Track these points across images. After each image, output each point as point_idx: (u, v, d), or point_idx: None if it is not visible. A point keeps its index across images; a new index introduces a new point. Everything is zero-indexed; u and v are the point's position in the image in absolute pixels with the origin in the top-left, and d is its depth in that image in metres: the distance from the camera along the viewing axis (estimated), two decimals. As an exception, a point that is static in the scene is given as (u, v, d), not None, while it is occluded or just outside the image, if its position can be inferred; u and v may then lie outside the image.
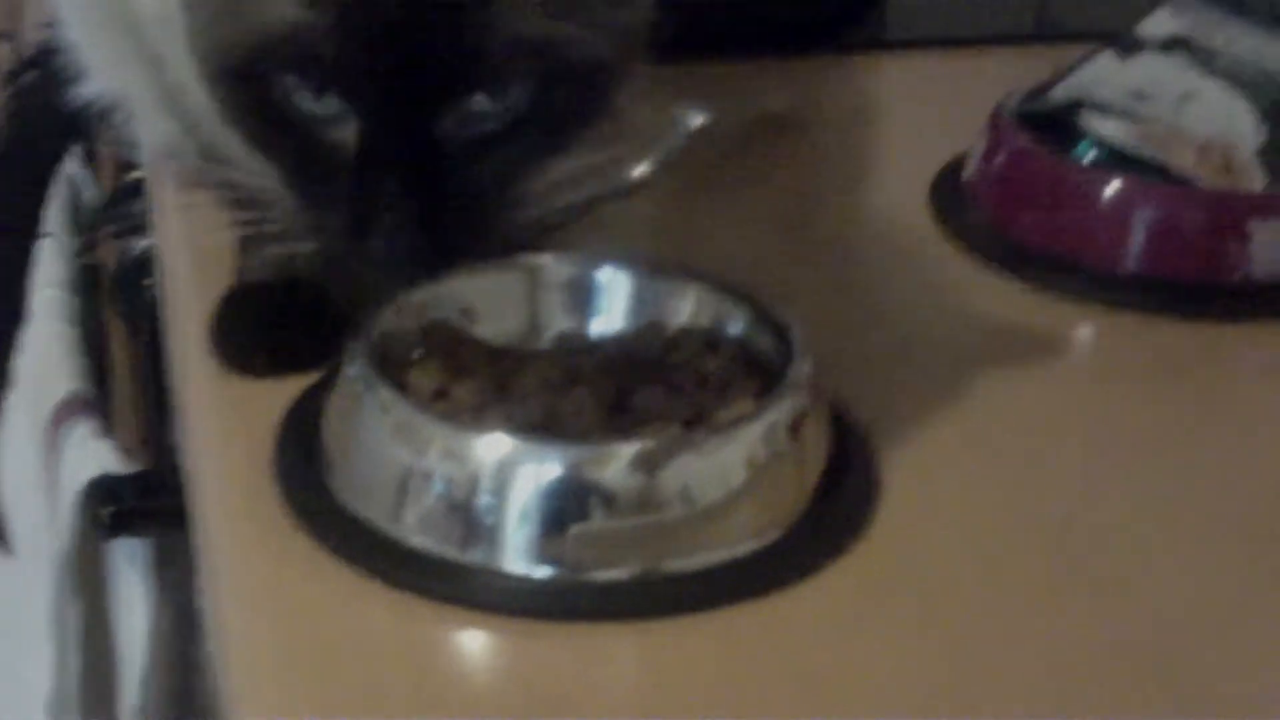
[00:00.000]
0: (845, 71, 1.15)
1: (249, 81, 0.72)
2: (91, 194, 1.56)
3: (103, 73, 0.93)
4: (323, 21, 0.68)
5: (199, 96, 0.78)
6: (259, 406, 0.77)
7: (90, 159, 1.53)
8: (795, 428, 0.71)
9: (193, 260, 0.89)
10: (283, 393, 0.78)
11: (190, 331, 0.83)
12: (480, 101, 0.71)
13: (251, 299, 0.82)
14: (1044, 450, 0.79)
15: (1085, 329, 0.88)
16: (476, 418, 0.72)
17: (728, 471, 0.69)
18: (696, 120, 1.01)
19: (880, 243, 0.94)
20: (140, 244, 1.22)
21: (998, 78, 1.02)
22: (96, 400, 1.22)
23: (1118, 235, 0.89)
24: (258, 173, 0.76)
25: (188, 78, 0.79)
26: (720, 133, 1.01)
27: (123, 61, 0.87)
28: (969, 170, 0.96)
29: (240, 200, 0.80)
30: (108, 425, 1.18)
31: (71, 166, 1.44)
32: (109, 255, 1.43)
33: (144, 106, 0.90)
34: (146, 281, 1.20)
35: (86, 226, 1.50)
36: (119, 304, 1.24)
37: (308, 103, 0.71)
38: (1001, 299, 0.89)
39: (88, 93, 0.94)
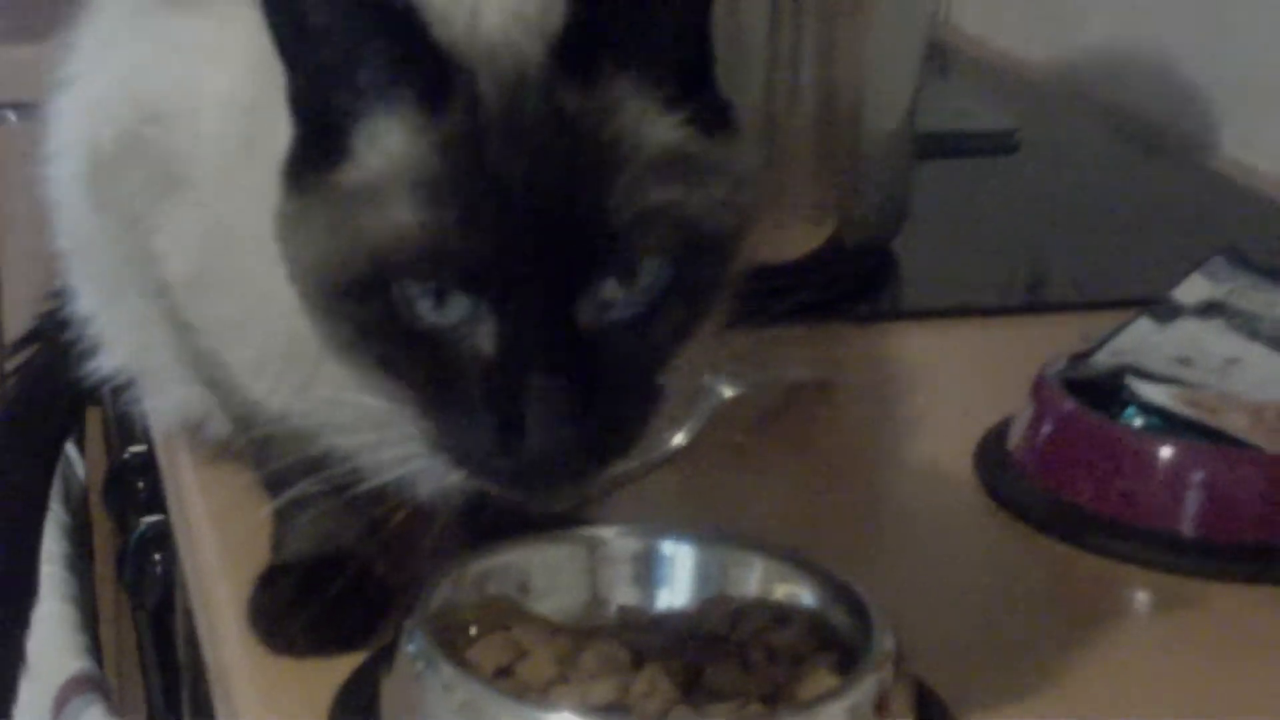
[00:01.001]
0: (867, 341, 1.14)
1: (368, 298, 0.67)
2: (81, 470, 1.54)
3: (119, 346, 0.90)
4: (447, 219, 0.65)
5: (240, 356, 0.75)
6: (305, 688, 0.73)
7: (79, 435, 1.51)
8: (881, 706, 0.68)
9: (219, 538, 0.86)
10: (328, 672, 0.74)
11: (224, 612, 0.79)
12: (614, 287, 0.66)
13: (291, 574, 0.78)
14: (1125, 714, 0.76)
15: (1148, 595, 0.86)
16: (544, 698, 0.68)
17: (812, 753, 0.66)
18: (728, 390, 0.99)
19: (929, 511, 0.92)
20: (147, 520, 1.20)
21: (1018, 345, 1.02)
22: (102, 678, 1.18)
23: (1175, 499, 0.87)
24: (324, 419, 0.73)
25: (222, 343, 0.76)
26: (751, 402, 1.00)
27: (143, 330, 0.85)
28: (1014, 438, 0.94)
29: (280, 467, 0.77)
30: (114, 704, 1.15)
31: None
32: (104, 532, 1.40)
33: (164, 377, 0.88)
34: (155, 557, 1.17)
35: (78, 505, 1.47)
36: (126, 580, 1.20)
37: (431, 313, 0.66)
38: (1060, 566, 0.87)
39: (102, 369, 0.92)
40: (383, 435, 0.70)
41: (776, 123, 1.19)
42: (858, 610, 0.72)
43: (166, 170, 0.76)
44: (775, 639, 0.72)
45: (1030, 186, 1.48)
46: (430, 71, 0.66)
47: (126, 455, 1.29)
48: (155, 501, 1.20)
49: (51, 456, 1.12)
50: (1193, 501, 0.87)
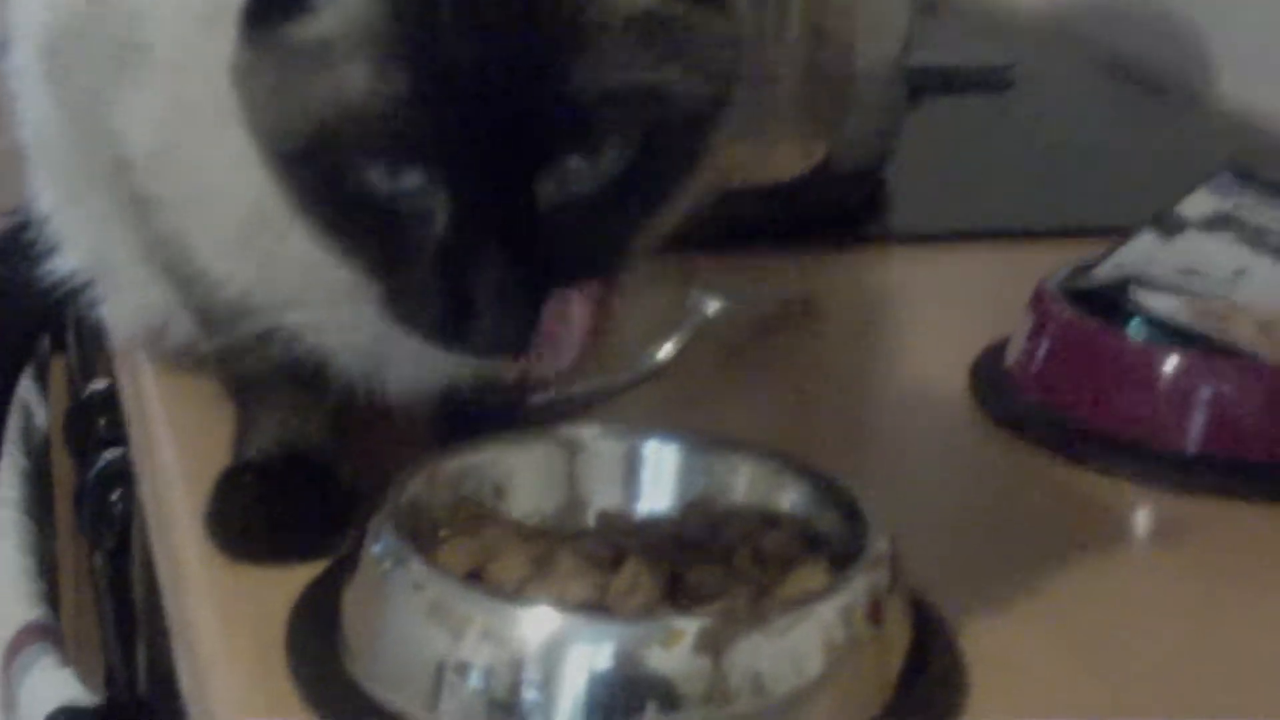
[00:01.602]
0: (857, 264, 1.10)
1: (318, 164, 0.63)
2: (43, 416, 1.49)
3: (78, 244, 0.86)
4: (397, 91, 0.61)
5: (203, 232, 0.71)
6: (266, 597, 0.69)
7: (42, 378, 1.47)
8: (875, 609, 0.64)
9: (179, 447, 0.82)
10: (289, 581, 0.70)
11: (183, 523, 0.75)
12: (576, 163, 0.62)
13: (251, 478, 0.74)
14: (1127, 637, 0.72)
15: (1152, 512, 0.83)
16: (518, 596, 0.64)
17: (802, 657, 0.62)
18: (714, 305, 0.96)
19: (922, 428, 0.88)
20: (106, 456, 1.15)
21: (1012, 269, 0.98)
22: (56, 627, 1.14)
23: (1181, 413, 0.83)
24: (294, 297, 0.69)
25: (184, 220, 0.72)
26: (738, 318, 0.96)
27: (103, 226, 0.81)
28: (1012, 353, 0.90)
29: (243, 362, 0.73)
30: (67, 653, 1.10)
31: (23, 387, 1.37)
32: (64, 476, 1.36)
33: (124, 278, 0.83)
34: (114, 495, 1.13)
35: (39, 449, 1.43)
36: (82, 520, 1.16)
37: (382, 182, 0.62)
38: (1061, 483, 0.83)
39: (61, 269, 0.88)
40: (347, 310, 0.66)
41: (764, 50, 1.16)
42: (850, 514, 0.68)
43: (126, 38, 0.72)
44: (763, 542, 0.68)
45: (1024, 121, 1.44)
46: None
47: (88, 392, 1.25)
48: (116, 438, 1.16)
49: (13, 368, 1.07)
50: (1198, 416, 0.83)
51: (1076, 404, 0.86)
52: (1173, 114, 1.49)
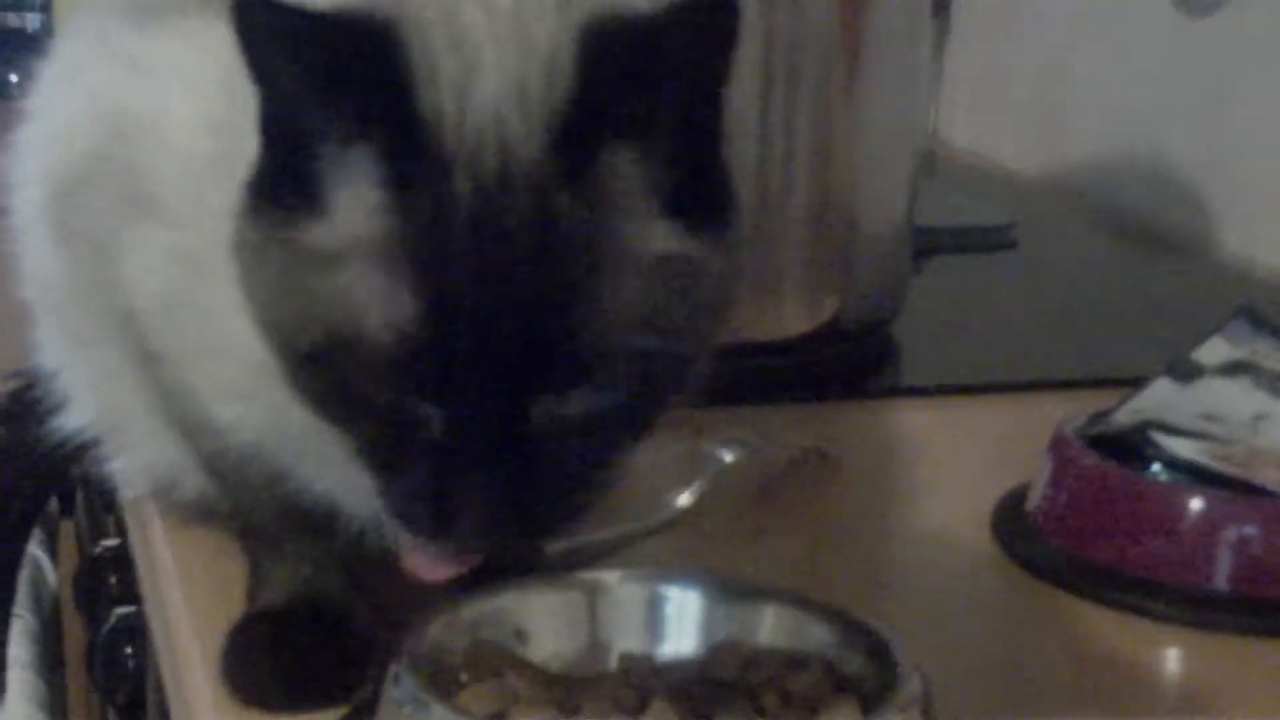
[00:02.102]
0: (869, 416, 1.09)
1: (318, 364, 0.64)
2: (52, 577, 1.48)
3: (86, 400, 0.85)
4: (404, 320, 0.61)
5: (210, 382, 0.71)
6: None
7: (51, 540, 1.46)
8: (907, 751, 0.62)
9: (191, 601, 0.81)
10: (307, 731, 0.69)
11: (197, 673, 0.74)
12: (571, 398, 0.64)
13: (265, 626, 0.73)
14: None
15: (1179, 651, 0.81)
16: (543, 743, 0.62)
17: (836, 800, 0.60)
18: (729, 455, 0.95)
19: (946, 575, 0.87)
20: (118, 612, 1.14)
21: (1025, 419, 0.98)
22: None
23: (1206, 553, 0.82)
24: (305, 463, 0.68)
25: (192, 371, 0.72)
26: (754, 467, 0.95)
27: (111, 381, 0.80)
28: (1034, 498, 0.89)
29: (254, 513, 0.72)
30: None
31: (32, 548, 1.36)
32: (75, 634, 1.35)
33: (133, 433, 0.83)
34: (127, 650, 1.11)
35: (49, 609, 1.41)
36: (95, 677, 1.14)
37: (383, 393, 0.63)
38: (1088, 625, 0.81)
39: (68, 425, 0.87)
40: (355, 466, 0.66)
41: (769, 212, 1.16)
42: (878, 656, 0.66)
43: (133, 189, 0.72)
44: (791, 684, 0.67)
45: (1030, 279, 1.45)
46: (403, 143, 0.62)
47: (98, 549, 1.24)
48: (128, 595, 1.15)
49: (21, 534, 1.06)
50: (1226, 555, 0.82)
51: (1102, 547, 0.84)
52: (1178, 269, 1.50)
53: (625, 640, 0.70)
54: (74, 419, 0.86)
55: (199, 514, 0.83)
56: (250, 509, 0.75)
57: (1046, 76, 1.81)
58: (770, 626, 0.70)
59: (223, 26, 0.62)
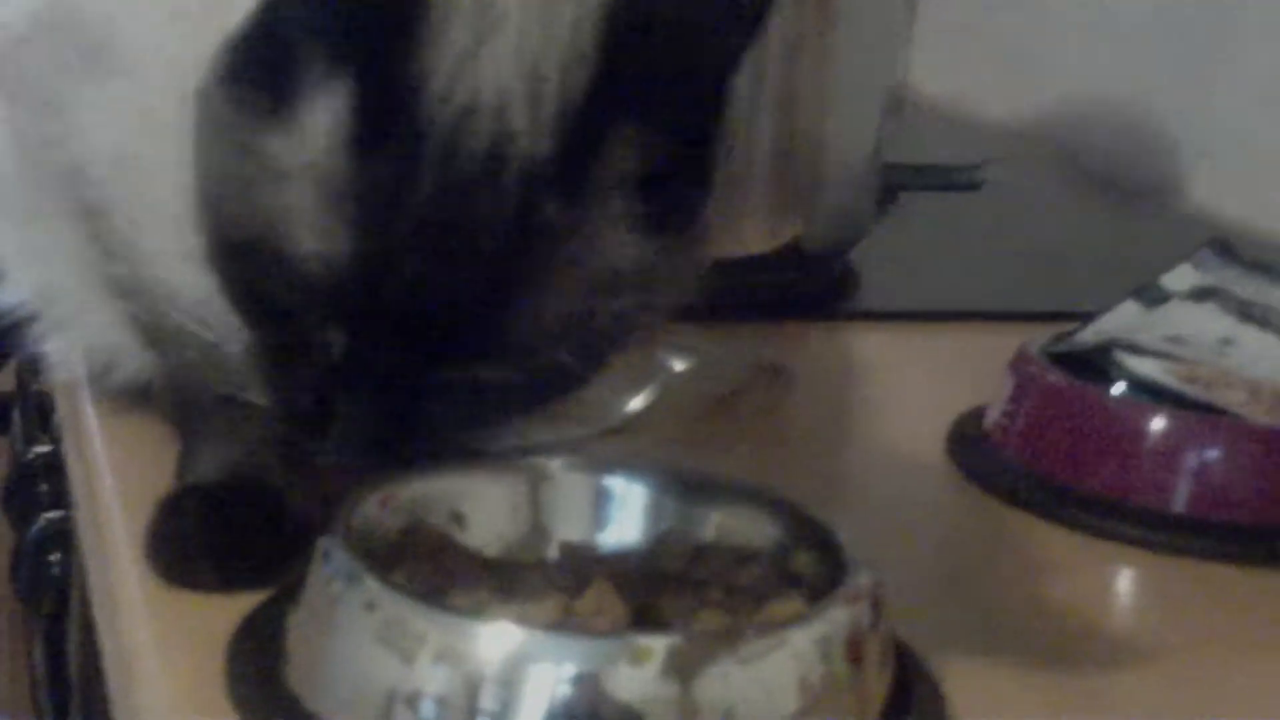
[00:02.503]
0: (826, 337, 1.07)
1: (245, 260, 0.63)
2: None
3: (25, 275, 0.83)
4: (335, 259, 0.61)
5: (153, 242, 0.69)
6: (208, 625, 0.65)
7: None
8: (855, 646, 0.60)
9: (118, 478, 0.78)
10: (234, 609, 0.65)
11: (119, 548, 0.71)
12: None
13: (194, 499, 0.70)
14: (1111, 696, 0.68)
15: (1135, 572, 0.79)
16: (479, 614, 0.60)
17: (777, 690, 0.58)
18: (681, 363, 0.93)
19: (901, 491, 0.85)
20: (46, 517, 1.11)
21: (984, 346, 0.95)
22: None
23: (1167, 474, 0.80)
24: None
25: (141, 232, 0.69)
26: (707, 377, 0.93)
27: (53, 248, 0.78)
28: (991, 417, 0.87)
29: (191, 385, 0.70)
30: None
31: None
32: (3, 544, 1.32)
33: (72, 308, 0.80)
34: (52, 558, 1.08)
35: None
36: (18, 584, 1.11)
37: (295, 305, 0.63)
38: (1044, 543, 0.79)
39: (5, 300, 0.84)
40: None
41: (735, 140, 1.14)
42: (829, 551, 0.64)
43: (84, 41, 0.69)
44: (737, 578, 0.65)
45: (996, 218, 1.43)
46: (380, 97, 0.61)
47: (30, 455, 1.21)
48: (58, 503, 1.12)
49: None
50: (1187, 476, 0.80)
51: (1060, 465, 0.82)
52: (1145, 215, 1.48)
53: (567, 529, 0.68)
54: (12, 294, 0.83)
55: (133, 399, 0.81)
56: (186, 382, 0.73)
57: (1021, 24, 1.79)
58: (718, 521, 0.68)
59: None
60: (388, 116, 0.61)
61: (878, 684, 0.61)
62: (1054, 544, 0.79)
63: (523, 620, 0.58)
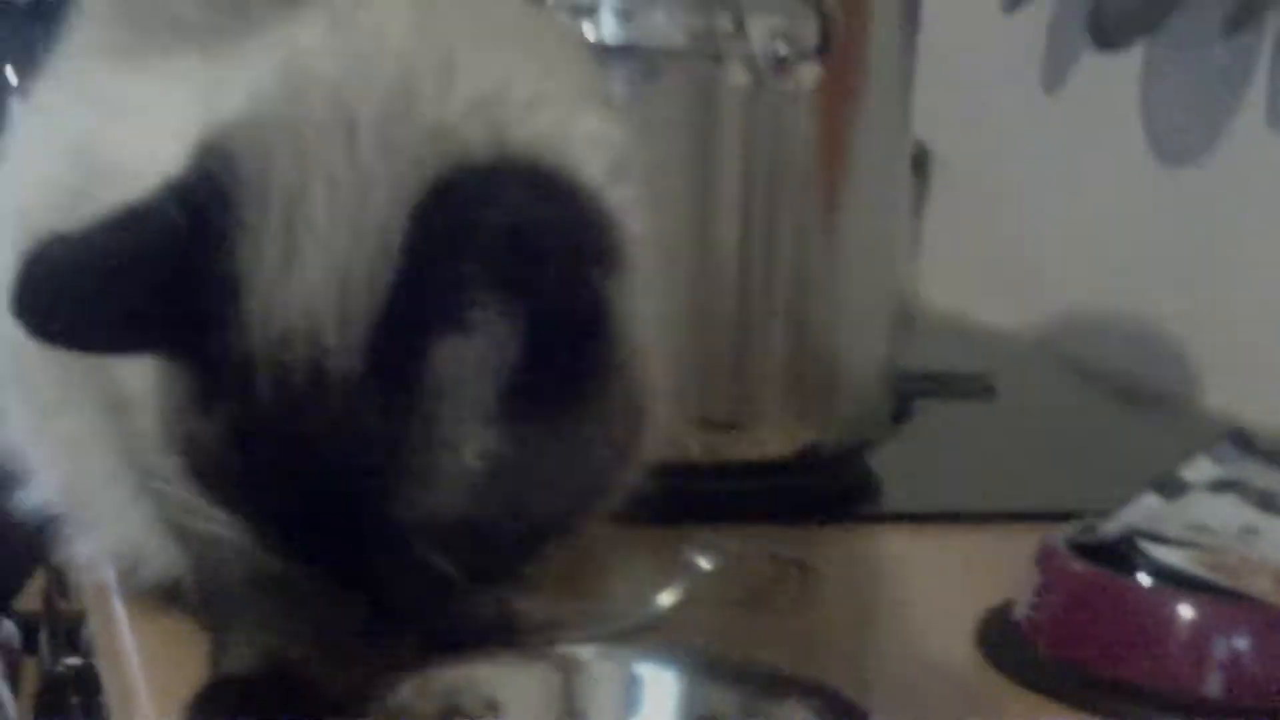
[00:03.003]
0: (849, 539, 1.07)
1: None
2: (13, 712, 1.45)
3: (50, 474, 0.83)
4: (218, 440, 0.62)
5: None
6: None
7: (12, 674, 1.43)
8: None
9: (155, 687, 0.78)
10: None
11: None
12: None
13: (229, 689, 0.70)
14: None
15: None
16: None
17: None
18: (708, 562, 0.93)
19: (932, 685, 0.84)
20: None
21: (1006, 545, 0.95)
22: None
23: (1196, 661, 0.80)
24: None
25: None
26: (735, 577, 0.93)
27: (78, 450, 0.78)
28: (1020, 610, 0.87)
29: (221, 574, 0.70)
30: None
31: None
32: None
33: (97, 508, 0.80)
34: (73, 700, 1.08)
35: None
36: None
37: None
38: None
39: (30, 500, 0.85)
40: None
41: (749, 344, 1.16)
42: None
43: None
44: (770, 763, 0.64)
45: (1009, 423, 1.43)
46: (209, 352, 0.62)
47: (60, 668, 1.21)
48: (89, 711, 1.11)
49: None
50: (1217, 663, 0.80)
51: (1090, 654, 0.82)
52: (1158, 419, 1.49)
53: (600, 716, 0.68)
54: (37, 494, 0.83)
55: (161, 597, 0.81)
56: (215, 573, 0.73)
57: (1023, 233, 1.81)
58: (751, 707, 0.67)
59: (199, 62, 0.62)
60: (221, 371, 0.61)
61: None
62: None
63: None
